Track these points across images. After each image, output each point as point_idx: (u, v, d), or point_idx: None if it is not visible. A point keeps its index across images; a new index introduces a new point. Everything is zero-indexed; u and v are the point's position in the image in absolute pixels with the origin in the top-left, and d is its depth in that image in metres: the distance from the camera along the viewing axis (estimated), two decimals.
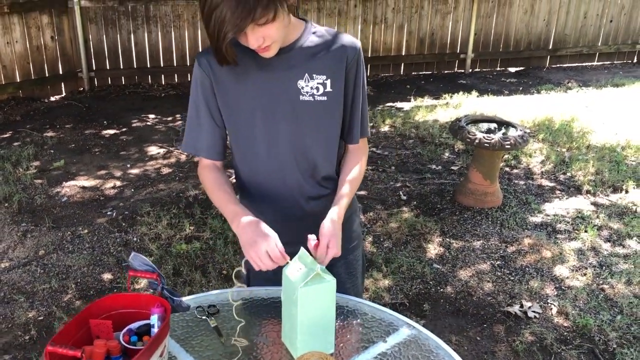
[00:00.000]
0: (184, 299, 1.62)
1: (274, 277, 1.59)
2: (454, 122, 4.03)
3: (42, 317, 2.97)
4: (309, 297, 1.43)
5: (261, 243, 1.41)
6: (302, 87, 1.51)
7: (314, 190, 1.65)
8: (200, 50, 6.75)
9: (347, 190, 1.59)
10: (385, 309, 1.70)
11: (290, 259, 1.47)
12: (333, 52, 1.53)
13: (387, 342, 1.56)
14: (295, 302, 1.42)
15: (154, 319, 1.40)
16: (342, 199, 1.57)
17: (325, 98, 1.53)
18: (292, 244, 1.49)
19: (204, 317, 1.63)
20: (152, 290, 1.52)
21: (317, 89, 1.52)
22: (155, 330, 1.38)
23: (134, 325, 1.42)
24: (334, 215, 1.54)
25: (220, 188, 1.60)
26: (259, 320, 1.66)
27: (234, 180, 1.77)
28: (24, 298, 3.11)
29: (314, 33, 1.55)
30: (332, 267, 1.74)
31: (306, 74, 1.51)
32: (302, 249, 1.48)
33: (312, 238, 1.50)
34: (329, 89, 1.53)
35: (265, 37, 1.38)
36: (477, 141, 3.78)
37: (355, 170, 1.64)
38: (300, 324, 1.43)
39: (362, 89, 1.62)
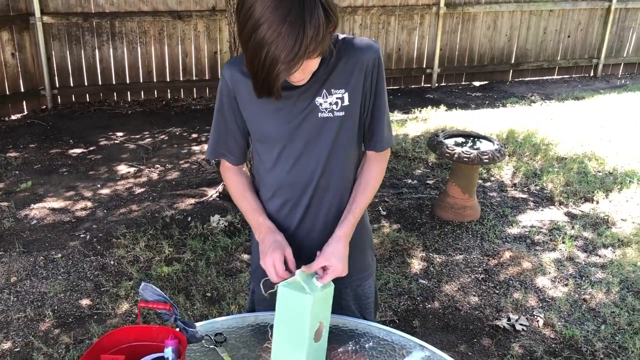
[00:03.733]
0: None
1: None
2: (432, 137, 4.07)
3: (18, 349, 2.83)
4: (317, 305, 1.40)
5: (270, 254, 1.47)
6: (321, 104, 1.48)
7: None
8: (167, 64, 6.69)
9: (357, 204, 1.56)
10: (395, 331, 1.68)
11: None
12: (351, 63, 1.48)
13: None
14: (302, 313, 1.38)
15: (168, 352, 1.34)
16: (349, 214, 1.55)
17: (343, 113, 1.50)
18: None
19: (212, 347, 1.57)
20: (160, 321, 1.46)
21: (336, 104, 1.48)
22: None
23: (147, 359, 1.36)
24: (340, 233, 1.53)
25: (244, 195, 1.64)
26: (267, 346, 1.62)
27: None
28: None
29: (333, 49, 1.48)
30: (340, 299, 1.71)
31: (324, 91, 1.47)
32: (297, 271, 1.44)
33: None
34: (346, 102, 1.49)
35: (305, 70, 1.35)
36: (456, 156, 3.82)
37: (370, 182, 1.60)
38: (309, 337, 1.39)
39: (384, 94, 1.56)
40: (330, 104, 1.48)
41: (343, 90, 1.48)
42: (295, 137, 1.52)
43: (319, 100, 1.48)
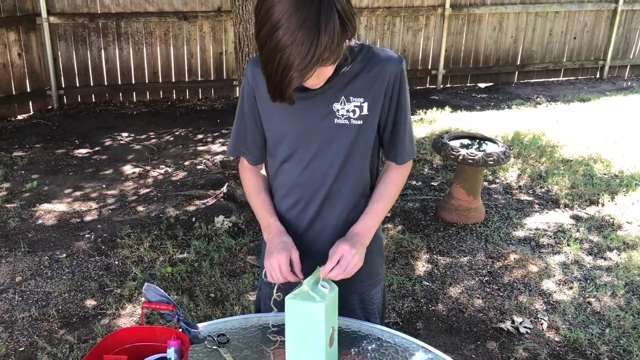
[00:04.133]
0: None
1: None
2: (437, 139, 4.06)
3: (23, 348, 2.84)
4: (328, 311, 1.40)
5: (276, 256, 1.48)
6: (338, 110, 1.48)
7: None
8: (173, 65, 6.71)
9: (373, 206, 1.56)
10: (398, 333, 1.67)
11: (304, 278, 1.45)
12: (373, 74, 1.47)
13: None
14: (316, 322, 1.38)
15: (171, 352, 1.34)
16: (364, 215, 1.55)
17: (361, 122, 1.49)
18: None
19: (214, 348, 1.57)
20: (164, 321, 1.46)
21: (354, 112, 1.48)
22: None
23: (150, 359, 1.36)
24: (352, 231, 1.53)
25: (257, 195, 1.65)
26: (271, 347, 1.62)
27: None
28: (2, 328, 2.97)
29: (356, 57, 1.46)
30: (346, 302, 1.70)
31: (342, 97, 1.47)
32: (304, 280, 1.44)
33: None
34: (365, 112, 1.49)
35: (320, 76, 1.35)
36: (460, 157, 3.81)
37: (389, 187, 1.59)
38: (326, 343, 1.39)
39: (406, 106, 1.55)
40: (348, 111, 1.48)
41: (362, 99, 1.48)
42: (309, 140, 1.52)
43: (336, 106, 1.48)
